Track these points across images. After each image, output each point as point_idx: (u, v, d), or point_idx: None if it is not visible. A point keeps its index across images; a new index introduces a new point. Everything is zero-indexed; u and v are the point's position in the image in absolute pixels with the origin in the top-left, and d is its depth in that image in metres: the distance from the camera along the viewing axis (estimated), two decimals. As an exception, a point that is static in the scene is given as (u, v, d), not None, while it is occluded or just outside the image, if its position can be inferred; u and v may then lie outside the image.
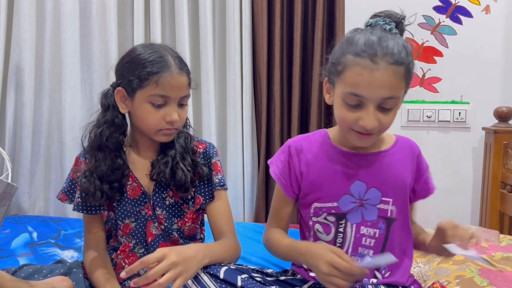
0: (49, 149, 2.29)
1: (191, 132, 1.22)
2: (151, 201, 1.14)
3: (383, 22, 0.99)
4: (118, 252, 1.17)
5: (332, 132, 1.08)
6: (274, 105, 2.22)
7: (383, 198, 1.02)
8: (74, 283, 1.10)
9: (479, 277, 1.27)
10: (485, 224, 2.09)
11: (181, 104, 1.11)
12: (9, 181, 1.03)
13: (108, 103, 1.13)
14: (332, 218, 1.03)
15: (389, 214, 1.02)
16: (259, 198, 2.24)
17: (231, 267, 1.00)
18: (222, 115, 2.32)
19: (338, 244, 1.03)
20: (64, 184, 1.21)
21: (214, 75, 2.28)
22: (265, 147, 2.25)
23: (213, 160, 1.17)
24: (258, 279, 1.00)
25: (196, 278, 0.95)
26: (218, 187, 1.15)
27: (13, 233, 1.79)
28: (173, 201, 1.15)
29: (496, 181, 2.07)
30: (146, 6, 2.26)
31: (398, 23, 1.00)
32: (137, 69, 1.06)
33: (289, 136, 2.23)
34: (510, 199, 1.99)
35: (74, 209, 1.17)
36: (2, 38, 2.19)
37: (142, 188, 1.15)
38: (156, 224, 1.14)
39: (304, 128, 2.24)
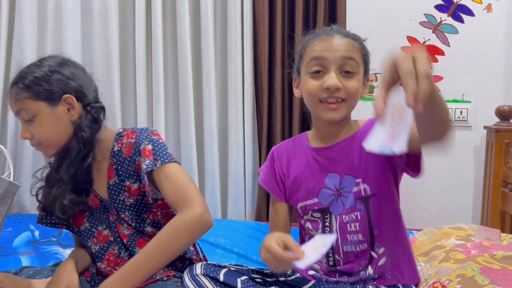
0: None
1: (100, 122, 1.11)
2: (112, 206, 1.11)
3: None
4: (103, 262, 1.13)
5: (311, 132, 1.12)
6: (275, 104, 2.22)
7: (356, 181, 1.02)
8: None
9: (481, 276, 1.27)
10: (487, 223, 2.09)
11: (28, 120, 1.05)
12: (11, 179, 1.03)
13: None
14: (317, 214, 1.07)
15: (363, 193, 1.01)
16: (260, 197, 2.24)
17: (231, 268, 1.00)
18: (223, 114, 2.32)
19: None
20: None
21: (216, 74, 2.28)
22: (266, 146, 2.25)
23: (141, 147, 1.05)
24: (258, 280, 1.01)
25: (196, 282, 0.95)
26: (149, 171, 1.01)
27: (15, 231, 1.80)
28: (132, 200, 1.09)
29: (497, 180, 2.07)
30: (147, 5, 2.26)
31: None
32: None
33: (290, 135, 2.23)
34: (511, 198, 1.99)
35: (37, 222, 1.23)
36: (4, 36, 2.20)
37: (99, 196, 1.12)
38: (125, 225, 1.11)
39: (305, 127, 2.24)
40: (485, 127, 2.18)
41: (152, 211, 1.12)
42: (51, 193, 1.09)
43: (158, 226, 1.13)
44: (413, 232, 1.88)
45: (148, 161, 1.02)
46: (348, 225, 1.03)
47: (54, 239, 1.75)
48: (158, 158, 1.03)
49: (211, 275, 0.96)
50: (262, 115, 2.24)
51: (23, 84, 1.03)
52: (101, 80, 2.24)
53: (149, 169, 1.01)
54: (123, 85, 2.27)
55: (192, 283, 0.95)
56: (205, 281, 0.95)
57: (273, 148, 1.16)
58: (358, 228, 1.02)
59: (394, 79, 0.68)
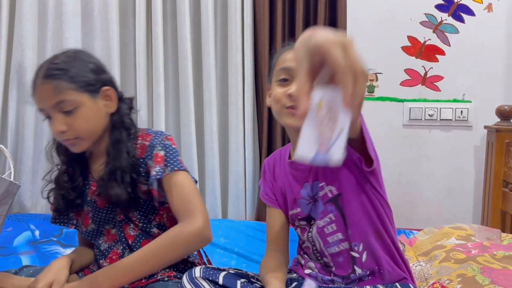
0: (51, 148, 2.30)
1: (135, 123, 1.12)
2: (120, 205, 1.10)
3: None
4: (106, 260, 1.13)
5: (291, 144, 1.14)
6: (275, 104, 2.22)
7: (320, 185, 1.03)
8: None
9: (481, 276, 1.27)
10: (487, 223, 2.09)
11: (67, 112, 1.02)
12: (12, 179, 1.03)
13: None
14: (303, 222, 1.10)
15: (330, 195, 1.01)
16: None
17: (230, 271, 1.00)
18: (223, 113, 2.32)
19: (312, 243, 1.08)
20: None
21: (216, 74, 2.28)
22: (267, 146, 2.25)
23: (154, 152, 1.06)
24: (257, 285, 1.01)
25: (195, 284, 0.95)
26: (158, 177, 1.03)
27: (15, 231, 1.80)
28: (141, 200, 1.09)
29: (498, 180, 2.06)
30: (148, 4, 2.26)
31: None
32: None
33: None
34: (511, 197, 1.99)
35: (51, 222, 1.20)
36: (4, 36, 2.20)
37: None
38: (132, 226, 1.11)
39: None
40: (485, 127, 2.17)
41: (159, 213, 1.13)
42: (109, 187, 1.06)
43: (163, 228, 1.13)
44: (414, 232, 1.88)
45: (158, 168, 1.04)
46: (325, 228, 1.03)
47: (55, 239, 1.75)
48: (168, 165, 1.04)
49: (210, 278, 0.96)
50: (263, 115, 2.24)
51: (67, 75, 1.02)
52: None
53: (158, 177, 1.03)
54: (123, 85, 2.27)
55: (191, 286, 0.95)
56: (204, 284, 0.94)
57: (265, 160, 1.21)
58: (335, 228, 1.02)
59: (315, 67, 0.56)
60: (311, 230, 1.07)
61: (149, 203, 1.10)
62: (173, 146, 1.09)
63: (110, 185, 1.04)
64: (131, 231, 1.11)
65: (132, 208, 1.08)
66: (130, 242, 1.11)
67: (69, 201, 1.12)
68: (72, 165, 1.13)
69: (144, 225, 1.11)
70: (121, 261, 1.02)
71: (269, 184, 1.17)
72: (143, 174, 1.07)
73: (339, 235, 1.02)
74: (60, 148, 1.12)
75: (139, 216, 1.11)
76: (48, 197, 1.17)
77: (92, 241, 1.17)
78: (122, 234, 1.12)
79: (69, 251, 1.61)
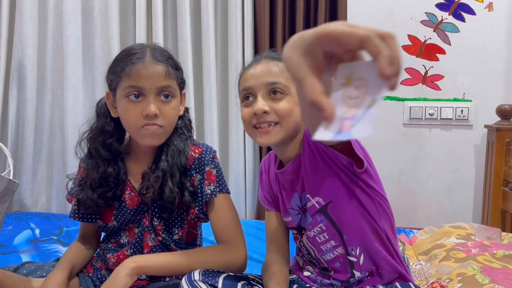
0: (51, 146, 2.30)
1: (192, 134, 1.15)
2: (149, 211, 1.10)
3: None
4: (114, 255, 1.13)
5: None
6: (276, 103, 2.22)
7: (307, 196, 1.02)
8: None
9: (481, 275, 1.27)
10: (487, 222, 2.09)
11: (164, 97, 1.02)
12: (11, 177, 1.03)
13: (99, 111, 1.10)
14: (294, 231, 1.10)
15: (317, 206, 1.00)
16: (260, 196, 2.25)
17: (230, 274, 1.00)
18: (224, 112, 2.32)
19: (306, 252, 1.08)
20: (72, 185, 1.17)
21: (216, 72, 2.28)
22: (267, 145, 2.25)
23: (206, 168, 1.08)
24: (257, 287, 1.01)
25: (194, 287, 0.93)
26: (213, 197, 1.07)
27: (15, 229, 1.80)
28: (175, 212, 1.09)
29: (498, 179, 2.06)
30: (148, 3, 2.26)
31: None
32: (115, 68, 1.03)
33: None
34: (511, 197, 1.99)
35: (70, 217, 1.16)
36: (4, 35, 2.20)
37: (140, 198, 1.10)
38: (152, 236, 1.10)
39: (306, 125, 2.24)
40: (486, 126, 2.17)
41: (183, 227, 1.12)
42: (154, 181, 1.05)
43: (180, 244, 1.13)
44: (414, 231, 1.88)
45: (213, 187, 1.07)
46: (317, 238, 1.03)
47: (55, 238, 1.75)
48: (219, 185, 1.08)
49: (210, 282, 0.94)
50: (263, 114, 2.24)
51: (175, 65, 1.05)
52: (102, 79, 2.25)
53: (213, 196, 1.06)
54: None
55: None
56: (204, 287, 0.93)
57: (262, 160, 1.20)
58: (328, 237, 1.02)
59: (318, 62, 0.51)
60: (302, 239, 1.07)
61: (179, 214, 1.10)
62: (219, 165, 1.12)
63: (165, 182, 1.03)
64: (150, 241, 1.10)
65: (174, 211, 1.06)
66: (145, 251, 1.10)
67: (105, 199, 1.09)
68: (116, 163, 1.09)
69: (166, 237, 1.10)
70: (166, 256, 1.04)
71: (266, 186, 1.16)
72: (188, 184, 1.07)
73: (332, 242, 1.02)
74: (105, 145, 1.08)
75: (164, 226, 1.10)
76: (72, 193, 1.14)
77: (109, 236, 1.16)
78: (141, 241, 1.10)
79: (69, 249, 1.62)
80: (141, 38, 2.23)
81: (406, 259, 1.53)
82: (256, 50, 2.24)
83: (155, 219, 1.10)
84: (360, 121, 0.47)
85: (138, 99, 1.00)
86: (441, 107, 2.28)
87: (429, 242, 1.64)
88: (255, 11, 2.22)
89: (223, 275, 0.97)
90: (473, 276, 1.27)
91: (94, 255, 1.20)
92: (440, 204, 2.33)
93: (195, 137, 1.18)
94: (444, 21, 2.26)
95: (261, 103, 0.97)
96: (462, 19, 2.25)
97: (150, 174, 1.05)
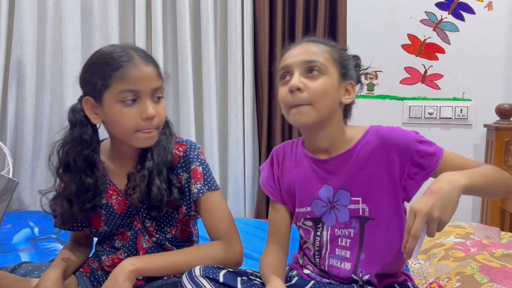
0: (50, 145, 2.29)
1: (171, 130, 1.11)
2: (139, 213, 1.08)
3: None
4: (108, 258, 1.12)
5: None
6: (275, 102, 2.22)
7: (352, 198, 1.00)
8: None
9: (480, 274, 1.27)
10: (486, 221, 2.09)
11: (157, 99, 1.01)
12: (10, 176, 1.03)
13: (75, 119, 1.04)
14: (309, 223, 1.06)
15: (361, 213, 1.00)
16: (260, 194, 2.24)
17: (230, 270, 1.00)
18: (223, 111, 2.32)
19: (317, 247, 1.05)
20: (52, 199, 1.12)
21: (216, 71, 2.28)
22: (266, 144, 2.24)
23: (192, 166, 1.06)
24: (257, 282, 1.01)
25: (195, 283, 0.94)
26: (200, 196, 1.05)
27: (14, 228, 1.80)
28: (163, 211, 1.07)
29: (497, 178, 2.06)
30: (147, 1, 2.26)
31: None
32: (98, 70, 0.98)
33: (290, 133, 2.23)
34: (511, 197, 1.99)
35: (55, 226, 1.13)
36: (3, 33, 2.19)
37: (128, 201, 1.07)
38: (146, 237, 1.09)
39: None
40: (485, 125, 2.18)
41: (176, 225, 1.11)
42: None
43: (175, 242, 1.12)
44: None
45: (200, 185, 1.05)
46: (339, 239, 1.02)
47: (54, 236, 1.75)
48: (206, 183, 1.06)
49: (211, 277, 0.95)
50: (262, 113, 2.24)
51: (158, 67, 1.03)
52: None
53: (200, 195, 1.05)
54: (123, 82, 2.26)
55: (191, 285, 0.94)
56: (205, 282, 0.93)
57: (274, 148, 1.14)
58: (348, 245, 1.01)
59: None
60: (321, 232, 1.04)
61: (170, 213, 1.08)
62: (206, 161, 1.09)
63: (152, 180, 1.01)
64: (144, 243, 1.09)
65: (163, 210, 1.04)
66: (140, 253, 1.09)
67: (84, 211, 1.06)
68: (93, 172, 1.05)
69: (160, 237, 1.09)
70: (163, 256, 1.04)
71: (274, 177, 1.11)
72: (175, 181, 1.06)
73: (348, 254, 1.01)
74: (82, 155, 1.03)
75: (156, 227, 1.09)
76: (50, 203, 1.10)
77: (102, 241, 1.15)
78: (134, 244, 1.09)
79: (68, 248, 1.62)
80: (140, 36, 2.23)
81: (405, 258, 1.53)
82: (256, 49, 2.24)
83: (146, 221, 1.08)
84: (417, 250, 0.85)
85: (134, 103, 0.98)
86: (440, 106, 2.28)
87: (428, 241, 1.64)
88: (255, 10, 2.22)
89: (223, 271, 0.97)
90: (472, 275, 1.27)
91: (90, 255, 1.20)
92: (439, 203, 2.33)
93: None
94: (443, 20, 2.26)
95: (296, 79, 0.97)
96: (461, 18, 2.25)
97: (136, 173, 1.02)
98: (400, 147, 0.98)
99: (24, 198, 2.28)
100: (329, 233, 1.03)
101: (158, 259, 1.02)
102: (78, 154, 1.03)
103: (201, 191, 1.05)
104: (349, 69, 1.03)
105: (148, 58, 1.01)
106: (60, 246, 1.65)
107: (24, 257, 1.53)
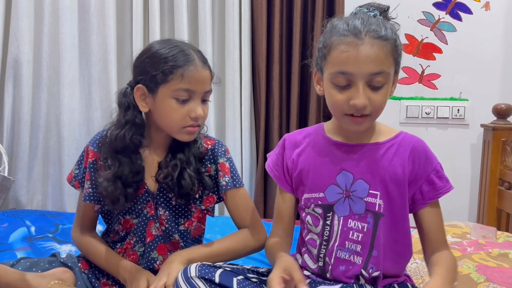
0: (47, 143, 2.29)
1: (204, 129, 1.19)
2: (154, 200, 1.11)
3: (367, 10, 1.00)
4: (119, 247, 1.15)
5: (328, 124, 1.08)
6: (273, 101, 2.22)
7: (370, 191, 0.98)
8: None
9: (476, 273, 1.27)
10: (483, 221, 2.10)
11: (204, 100, 1.08)
12: (6, 174, 1.03)
13: (128, 102, 1.08)
14: (319, 210, 1.02)
15: (376, 208, 0.98)
16: (257, 194, 2.24)
17: (226, 269, 0.98)
18: (221, 110, 2.32)
19: (325, 237, 1.02)
20: (76, 171, 1.17)
21: (213, 70, 2.27)
22: (264, 143, 2.24)
23: (220, 160, 1.14)
24: (254, 280, 0.99)
25: (191, 285, 0.92)
26: (228, 189, 1.13)
27: (11, 227, 1.79)
28: (180, 201, 1.11)
29: (494, 178, 2.07)
30: (145, 0, 2.25)
31: (382, 11, 1.02)
32: (160, 64, 1.03)
33: (287, 131, 2.23)
34: (507, 196, 2.00)
35: (84, 200, 1.14)
36: (0, 31, 2.19)
37: (146, 186, 1.11)
38: (157, 225, 1.11)
39: (302, 123, 2.24)
40: (482, 125, 2.18)
41: (190, 219, 1.15)
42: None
43: (185, 237, 1.15)
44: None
45: (228, 178, 1.14)
46: (351, 232, 0.99)
47: (50, 235, 1.74)
48: (235, 178, 1.15)
49: (206, 277, 0.93)
50: (260, 112, 2.24)
51: (212, 72, 1.12)
52: (98, 76, 2.24)
53: (229, 187, 1.13)
54: (120, 81, 2.26)
55: (187, 286, 0.92)
56: (200, 284, 0.92)
57: (285, 135, 1.11)
58: (359, 239, 0.99)
59: None
60: (331, 222, 1.01)
61: (186, 205, 1.13)
62: (232, 159, 1.19)
63: (183, 170, 1.08)
64: (154, 230, 1.12)
65: (192, 199, 1.11)
66: (148, 240, 1.11)
67: (136, 190, 1.10)
68: (136, 159, 1.10)
69: (170, 227, 1.12)
70: (202, 246, 1.13)
71: (283, 161, 1.08)
72: (204, 170, 1.13)
73: (358, 248, 0.99)
74: (136, 138, 1.08)
75: (169, 216, 1.12)
76: (78, 178, 1.16)
77: (108, 223, 1.19)
78: (144, 230, 1.12)
79: (65, 247, 1.62)
80: (137, 35, 2.22)
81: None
82: (253, 48, 2.24)
83: (160, 209, 1.12)
84: None
85: (186, 102, 1.05)
86: (437, 106, 2.29)
87: (425, 240, 1.64)
88: (253, 9, 2.22)
89: (219, 270, 0.96)
90: (468, 274, 1.27)
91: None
92: (436, 203, 2.34)
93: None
94: (441, 20, 2.26)
95: (363, 98, 0.90)
96: (459, 18, 2.25)
97: (168, 162, 1.09)
98: (427, 160, 1.01)
99: (21, 197, 2.27)
100: (341, 223, 1.00)
101: (202, 250, 1.09)
102: (132, 137, 1.07)
103: (229, 184, 1.13)
104: (400, 63, 1.01)
105: (205, 61, 1.10)
106: (57, 245, 1.65)
107: (21, 256, 1.52)
